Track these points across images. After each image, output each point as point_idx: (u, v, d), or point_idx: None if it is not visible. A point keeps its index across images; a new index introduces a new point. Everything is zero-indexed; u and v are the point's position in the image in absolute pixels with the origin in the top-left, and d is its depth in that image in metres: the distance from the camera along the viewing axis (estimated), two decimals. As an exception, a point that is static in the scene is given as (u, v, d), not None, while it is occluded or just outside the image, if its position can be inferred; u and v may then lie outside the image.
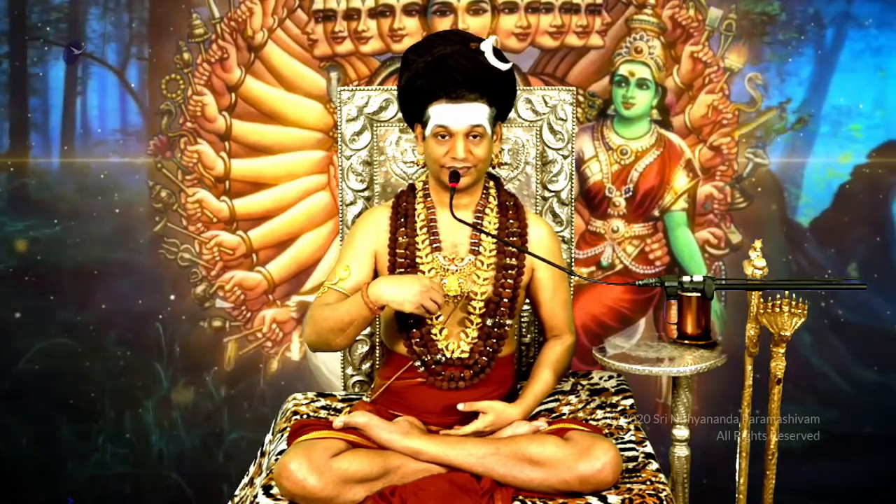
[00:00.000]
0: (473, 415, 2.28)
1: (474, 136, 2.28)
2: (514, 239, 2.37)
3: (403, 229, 2.37)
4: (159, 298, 3.58)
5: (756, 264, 2.46)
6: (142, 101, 3.54)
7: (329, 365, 3.53)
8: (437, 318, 2.30)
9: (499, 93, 2.33)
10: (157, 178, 3.54)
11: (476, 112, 2.28)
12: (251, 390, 3.61)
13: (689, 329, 2.47)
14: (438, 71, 2.26)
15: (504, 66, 2.30)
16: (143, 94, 3.55)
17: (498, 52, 2.31)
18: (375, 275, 2.38)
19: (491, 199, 2.41)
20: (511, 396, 2.42)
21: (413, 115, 2.37)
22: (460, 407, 2.25)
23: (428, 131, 2.31)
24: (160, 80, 3.50)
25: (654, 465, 2.24)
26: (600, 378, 2.68)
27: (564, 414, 2.49)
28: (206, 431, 3.63)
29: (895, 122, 3.47)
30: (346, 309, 2.24)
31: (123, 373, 3.60)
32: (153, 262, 3.57)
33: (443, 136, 2.28)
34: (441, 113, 2.27)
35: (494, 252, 2.36)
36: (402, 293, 2.19)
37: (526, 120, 2.71)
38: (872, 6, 3.44)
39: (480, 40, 2.31)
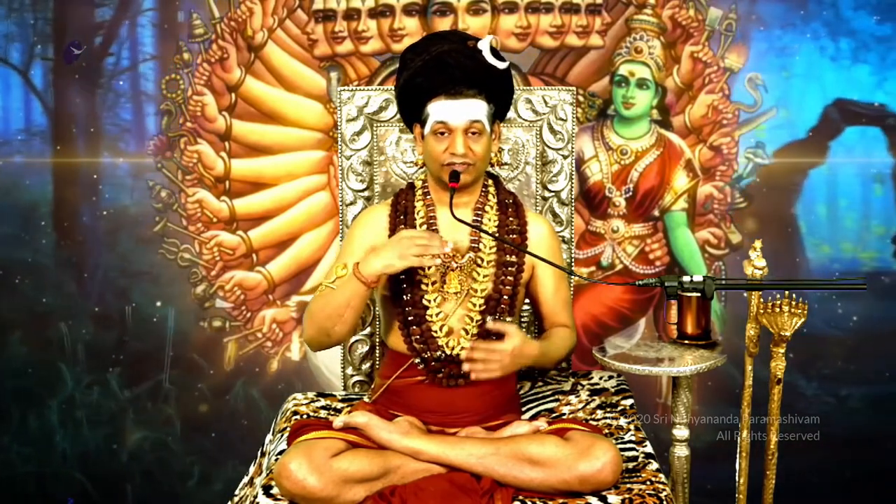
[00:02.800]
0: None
1: (473, 133, 2.29)
2: (514, 237, 2.37)
3: (403, 227, 2.37)
4: (63, 299, 3.58)
5: (756, 264, 2.46)
6: (46, 102, 3.54)
7: (329, 365, 3.53)
8: (435, 261, 2.23)
9: (496, 90, 2.34)
10: (157, 178, 3.54)
11: (474, 108, 2.28)
12: (252, 390, 3.61)
13: (689, 329, 2.47)
14: (436, 68, 2.27)
15: (501, 65, 2.31)
16: (47, 94, 3.54)
17: (495, 51, 2.32)
18: None
19: (490, 197, 2.41)
20: (511, 396, 2.42)
21: (412, 114, 2.38)
22: (489, 325, 2.24)
23: (427, 129, 2.32)
24: (64, 79, 3.50)
25: (654, 465, 2.24)
26: (600, 378, 2.68)
27: (564, 414, 2.49)
28: (109, 431, 3.64)
29: (799, 123, 3.48)
30: (341, 290, 2.23)
31: (27, 372, 3.60)
32: (57, 262, 3.58)
33: (442, 133, 2.29)
34: (440, 109, 2.28)
35: (494, 250, 2.36)
36: (387, 254, 2.19)
37: (526, 120, 2.71)
38: (776, 7, 3.44)
39: (478, 39, 2.33)
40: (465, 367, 2.19)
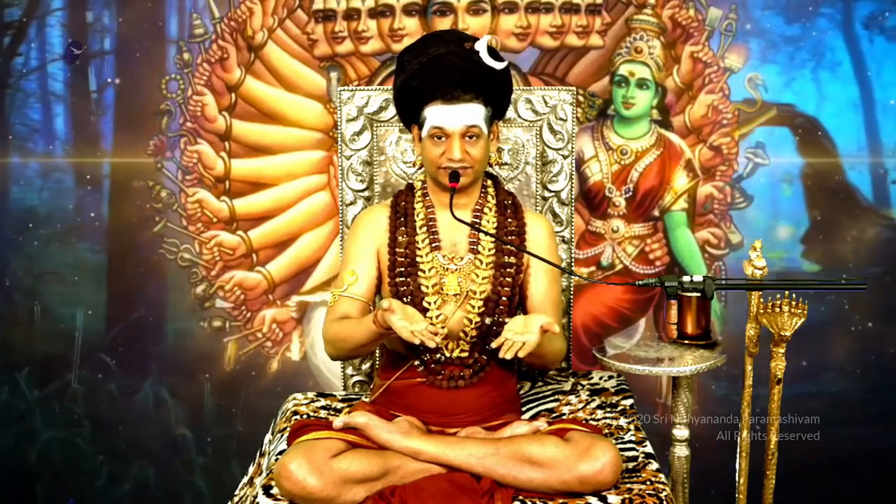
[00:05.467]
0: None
1: (470, 137, 2.29)
2: (513, 238, 2.37)
3: (403, 228, 2.37)
4: None
5: (756, 264, 2.46)
6: None
7: (329, 365, 3.53)
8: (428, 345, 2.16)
9: (494, 92, 2.33)
10: (157, 178, 3.54)
11: (471, 112, 2.28)
12: (251, 390, 3.61)
13: (689, 329, 2.47)
14: (433, 71, 2.27)
15: (499, 66, 2.30)
16: None
17: (493, 52, 2.31)
18: (381, 273, 2.39)
19: (489, 198, 2.41)
20: (511, 397, 2.42)
21: (409, 116, 2.38)
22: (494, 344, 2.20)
23: (424, 133, 2.31)
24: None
25: (654, 465, 2.24)
26: (600, 378, 2.68)
27: (564, 414, 2.49)
28: (18, 431, 3.63)
29: None
30: (359, 333, 2.24)
31: None
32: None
33: (439, 138, 2.29)
34: (436, 114, 2.28)
35: (493, 251, 2.36)
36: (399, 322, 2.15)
37: (526, 120, 2.71)
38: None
39: (475, 40, 2.32)
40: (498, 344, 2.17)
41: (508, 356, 2.13)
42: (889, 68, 3.45)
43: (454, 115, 2.27)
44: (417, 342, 2.09)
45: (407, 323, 2.10)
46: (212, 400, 3.61)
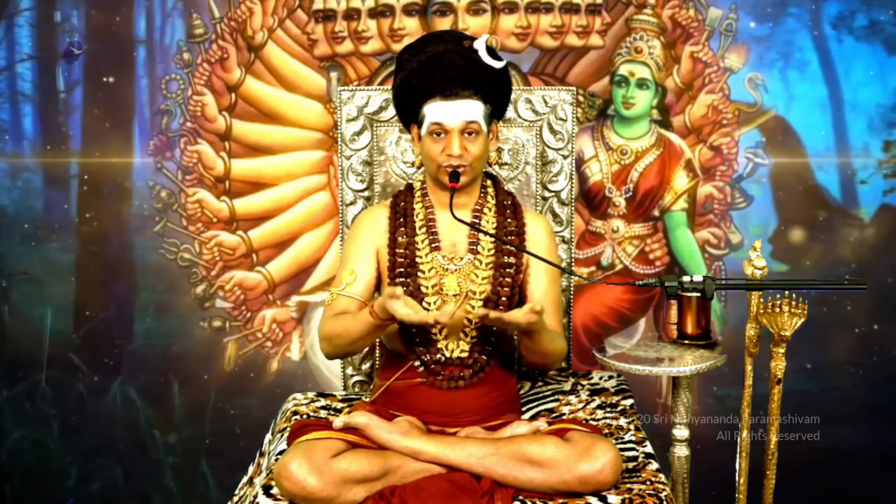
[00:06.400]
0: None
1: (469, 133, 2.29)
2: (513, 238, 2.37)
3: (403, 229, 2.37)
4: None
5: (756, 264, 2.46)
6: None
7: (329, 365, 3.53)
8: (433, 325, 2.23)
9: (493, 90, 2.34)
10: (157, 178, 3.54)
11: (470, 108, 2.28)
12: (251, 390, 3.61)
13: (689, 329, 2.47)
14: (432, 69, 2.27)
15: (498, 64, 2.31)
16: None
17: (492, 51, 2.32)
18: (380, 273, 2.39)
19: (489, 198, 2.41)
20: (511, 397, 2.42)
21: (409, 115, 2.38)
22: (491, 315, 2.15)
23: (423, 130, 2.32)
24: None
25: (654, 465, 2.24)
26: (600, 378, 2.68)
27: (564, 414, 2.49)
28: None
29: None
30: (356, 326, 2.24)
31: None
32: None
33: (438, 134, 2.29)
34: (435, 110, 2.28)
35: (493, 251, 2.36)
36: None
37: (526, 120, 2.71)
38: None
39: (474, 39, 2.32)
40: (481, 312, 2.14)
41: (480, 313, 2.12)
42: (857, 68, 3.45)
43: (453, 111, 2.27)
44: (431, 320, 2.10)
45: (411, 310, 2.10)
46: (203, 400, 3.60)
